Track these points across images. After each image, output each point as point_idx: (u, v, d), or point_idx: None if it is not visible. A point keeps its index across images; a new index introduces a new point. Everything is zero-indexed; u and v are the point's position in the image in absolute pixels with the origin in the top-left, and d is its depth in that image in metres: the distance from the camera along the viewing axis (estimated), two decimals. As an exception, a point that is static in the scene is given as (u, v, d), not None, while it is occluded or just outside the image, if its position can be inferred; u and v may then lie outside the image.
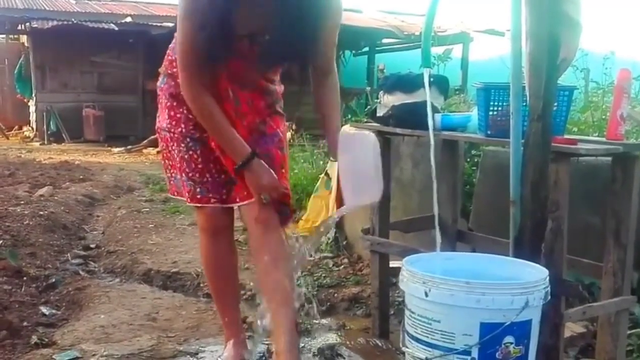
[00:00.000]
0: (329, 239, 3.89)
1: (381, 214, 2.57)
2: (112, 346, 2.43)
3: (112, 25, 11.73)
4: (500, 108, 2.10)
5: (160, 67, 2.12)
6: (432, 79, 2.27)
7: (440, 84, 2.55)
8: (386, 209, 2.59)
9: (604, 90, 3.85)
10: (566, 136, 2.09)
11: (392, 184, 2.54)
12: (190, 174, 2.06)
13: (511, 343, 1.57)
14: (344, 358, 2.40)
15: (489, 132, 2.15)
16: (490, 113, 2.12)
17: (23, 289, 3.12)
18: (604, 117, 3.35)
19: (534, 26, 1.80)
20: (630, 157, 2.01)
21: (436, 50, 4.58)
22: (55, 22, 11.52)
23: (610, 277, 2.09)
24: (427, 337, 1.62)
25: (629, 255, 2.07)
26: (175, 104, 2.05)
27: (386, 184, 2.14)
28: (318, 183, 4.29)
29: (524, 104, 1.86)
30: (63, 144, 11.84)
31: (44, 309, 2.93)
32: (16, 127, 13.73)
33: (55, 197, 5.39)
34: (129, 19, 12.45)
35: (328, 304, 3.12)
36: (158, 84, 2.13)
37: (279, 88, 2.12)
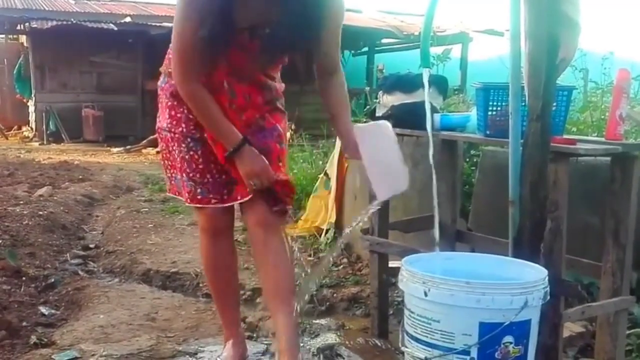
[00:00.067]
0: (327, 239, 3.89)
1: (380, 214, 2.57)
2: (111, 346, 2.43)
3: (112, 25, 11.73)
4: (499, 108, 2.10)
5: (159, 66, 2.12)
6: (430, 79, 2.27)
7: (440, 84, 2.56)
8: (385, 209, 2.59)
9: (602, 90, 3.85)
10: (565, 136, 2.09)
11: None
12: (191, 174, 2.06)
13: (510, 343, 1.58)
14: (344, 358, 2.39)
15: (488, 132, 2.15)
16: (490, 113, 2.13)
17: (22, 289, 3.11)
18: (603, 117, 3.36)
19: (533, 26, 1.80)
20: (629, 157, 2.01)
21: (435, 50, 4.58)
22: (54, 22, 11.51)
23: (609, 277, 2.09)
24: (427, 337, 1.63)
25: (628, 255, 2.07)
26: (175, 103, 2.04)
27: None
28: (317, 183, 4.30)
29: (523, 104, 1.86)
30: (62, 144, 11.84)
31: (43, 309, 2.93)
32: (15, 127, 13.72)
33: (55, 197, 5.39)
34: (128, 19, 12.44)
35: (327, 303, 3.12)
36: (159, 83, 2.13)
37: (279, 86, 2.12)
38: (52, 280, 3.32)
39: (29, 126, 13.40)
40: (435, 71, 3.92)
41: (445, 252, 2.00)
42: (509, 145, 1.89)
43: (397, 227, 2.69)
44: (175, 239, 4.28)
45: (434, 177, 1.88)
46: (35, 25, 11.52)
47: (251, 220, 2.13)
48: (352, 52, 14.50)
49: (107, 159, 9.81)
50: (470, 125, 2.33)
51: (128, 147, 11.00)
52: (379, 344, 2.54)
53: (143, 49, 12.27)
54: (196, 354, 2.41)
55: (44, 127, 12.19)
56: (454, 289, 1.56)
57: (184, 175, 2.07)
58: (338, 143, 3.92)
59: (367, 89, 6.73)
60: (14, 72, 13.22)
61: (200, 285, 3.28)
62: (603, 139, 2.10)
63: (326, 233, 3.92)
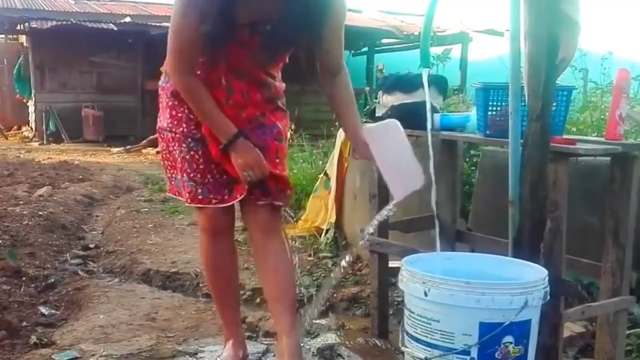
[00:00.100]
0: (327, 239, 3.89)
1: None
2: (111, 346, 2.43)
3: (111, 25, 11.72)
4: (499, 108, 2.10)
5: (159, 66, 2.12)
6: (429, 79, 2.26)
7: (439, 84, 2.56)
8: (385, 209, 2.59)
9: (602, 90, 3.85)
10: (565, 136, 2.09)
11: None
12: (191, 175, 2.06)
13: (510, 343, 1.58)
14: (343, 358, 2.39)
15: (487, 132, 2.15)
16: (489, 113, 2.13)
17: (22, 289, 3.12)
18: (602, 117, 3.36)
19: (532, 26, 1.80)
20: (629, 157, 2.01)
21: (435, 50, 4.58)
22: (54, 22, 11.51)
23: (609, 277, 2.09)
24: (427, 337, 1.63)
25: (628, 255, 2.07)
26: (176, 103, 2.04)
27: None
28: (317, 183, 4.30)
29: (523, 104, 1.86)
30: (62, 144, 11.84)
31: (43, 309, 2.93)
32: (15, 127, 13.72)
33: (55, 197, 5.39)
34: (128, 19, 12.43)
35: (327, 303, 3.12)
36: (160, 82, 2.12)
37: (280, 85, 2.11)
38: (52, 280, 3.32)
39: (28, 126, 13.40)
40: (435, 71, 3.92)
41: (445, 252, 2.00)
42: (508, 145, 1.89)
43: (397, 227, 2.69)
44: (175, 239, 4.28)
45: (434, 177, 1.88)
46: (35, 25, 11.51)
47: (251, 222, 2.14)
48: (352, 52, 14.48)
49: (107, 159, 9.81)
50: (470, 125, 2.33)
51: (128, 147, 11.00)
52: (379, 344, 2.54)
53: (143, 49, 12.27)
54: (196, 354, 2.41)
55: (43, 127, 12.19)
56: (453, 289, 1.56)
57: (185, 175, 2.07)
58: (338, 143, 3.92)
59: (367, 89, 6.72)
60: (14, 72, 13.22)
61: (200, 285, 3.28)
62: (603, 139, 2.10)
63: (326, 233, 3.92)
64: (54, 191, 5.74)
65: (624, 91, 2.07)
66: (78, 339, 2.53)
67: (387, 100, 2.52)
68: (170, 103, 2.07)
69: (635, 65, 3.50)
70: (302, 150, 5.75)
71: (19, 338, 2.56)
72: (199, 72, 1.94)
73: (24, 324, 2.71)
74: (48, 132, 12.19)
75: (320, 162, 5.02)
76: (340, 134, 3.90)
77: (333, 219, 3.92)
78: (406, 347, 1.71)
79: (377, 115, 2.56)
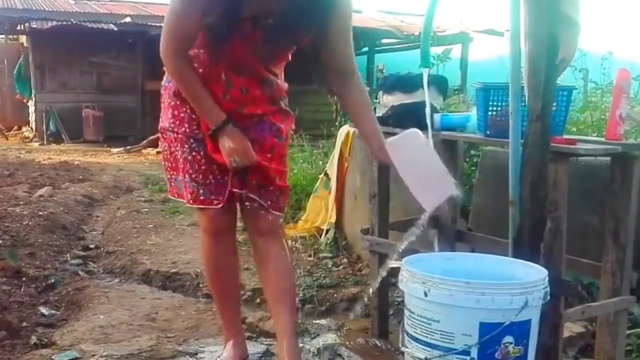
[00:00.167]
0: (328, 239, 3.89)
1: (380, 214, 2.57)
2: (111, 346, 2.43)
3: (111, 26, 11.72)
4: (499, 108, 2.10)
5: (159, 66, 2.11)
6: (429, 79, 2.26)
7: (440, 84, 2.56)
8: (386, 209, 2.59)
9: (602, 90, 3.86)
10: (565, 136, 2.09)
11: (392, 184, 2.54)
12: (193, 175, 2.05)
13: (510, 343, 1.58)
14: (343, 358, 2.40)
15: (488, 132, 2.15)
16: (490, 113, 2.12)
17: (22, 290, 3.11)
18: (602, 117, 3.36)
19: (532, 26, 1.80)
20: (629, 157, 2.01)
21: (435, 51, 4.58)
22: (54, 23, 11.50)
23: (609, 277, 2.09)
24: (427, 337, 1.63)
25: (628, 255, 2.07)
26: (178, 102, 2.04)
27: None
28: (317, 183, 4.29)
29: (523, 104, 1.86)
30: (62, 144, 11.83)
31: (43, 310, 2.93)
32: (15, 127, 13.72)
33: (55, 198, 5.39)
34: (128, 19, 12.44)
35: (327, 304, 3.12)
36: (162, 82, 2.11)
37: (283, 84, 2.11)
38: (52, 280, 3.32)
39: (29, 126, 13.40)
40: (435, 71, 3.92)
41: (445, 252, 2.00)
42: (509, 145, 1.89)
43: (397, 227, 2.69)
44: (175, 239, 4.28)
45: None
46: (35, 26, 11.51)
47: (252, 226, 2.15)
48: (352, 52, 14.47)
49: (107, 159, 9.81)
50: (470, 125, 2.33)
51: (128, 147, 11.00)
52: (379, 344, 2.54)
53: (143, 49, 12.26)
54: (196, 354, 2.41)
55: (44, 127, 12.18)
56: (453, 289, 1.56)
57: (187, 176, 2.06)
58: (338, 143, 3.92)
59: (367, 89, 6.72)
60: (14, 72, 13.21)
61: (201, 285, 3.28)
62: (603, 139, 2.09)
63: (326, 233, 3.92)
64: (54, 191, 5.74)
65: (624, 91, 2.07)
66: (78, 339, 2.53)
67: (387, 100, 2.52)
68: (172, 103, 2.06)
69: (635, 65, 3.50)
70: (302, 151, 5.75)
71: (19, 338, 2.56)
72: (200, 71, 1.94)
73: (24, 324, 2.71)
74: (48, 133, 12.18)
75: (321, 162, 5.02)
76: (341, 134, 3.90)
77: (333, 219, 3.91)
78: (406, 347, 1.71)
79: (377, 115, 2.55)
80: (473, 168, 3.37)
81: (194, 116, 2.01)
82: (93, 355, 2.34)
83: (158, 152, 9.14)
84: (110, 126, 12.29)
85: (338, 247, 3.82)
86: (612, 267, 2.07)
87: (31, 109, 12.97)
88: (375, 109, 2.64)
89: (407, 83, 2.45)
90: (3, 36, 14.46)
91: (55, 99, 12.51)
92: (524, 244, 1.85)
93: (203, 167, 2.04)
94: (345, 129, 3.86)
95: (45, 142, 11.85)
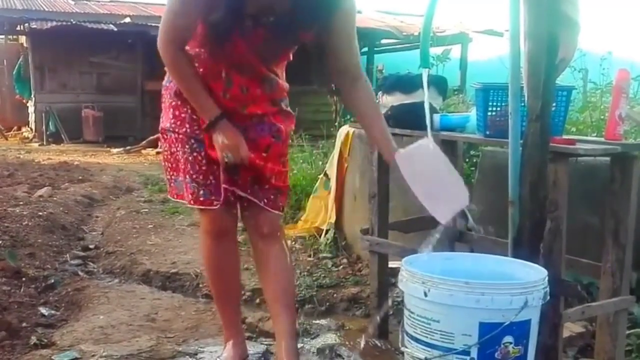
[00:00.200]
0: (327, 239, 3.89)
1: (380, 214, 2.57)
2: (111, 347, 2.43)
3: (111, 26, 11.72)
4: (498, 108, 2.10)
5: (159, 67, 2.11)
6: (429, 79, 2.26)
7: (439, 84, 2.56)
8: (385, 209, 2.59)
9: (602, 91, 3.86)
10: (565, 136, 2.09)
11: (392, 184, 2.54)
12: (194, 176, 2.05)
13: (510, 343, 1.58)
14: (343, 358, 2.40)
15: (487, 133, 2.15)
16: (489, 113, 2.12)
17: (22, 290, 3.11)
18: (602, 117, 3.36)
19: (532, 26, 1.80)
20: (628, 157, 2.01)
21: (435, 51, 4.59)
22: (54, 23, 11.51)
23: (609, 277, 2.09)
24: (427, 337, 1.63)
25: (628, 255, 2.07)
26: (179, 102, 2.04)
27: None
28: (317, 184, 4.30)
29: (523, 104, 1.86)
30: (62, 144, 11.83)
31: (43, 310, 2.92)
32: (15, 127, 13.70)
33: (54, 198, 5.39)
34: (127, 20, 12.44)
35: (327, 304, 3.12)
36: (163, 82, 2.11)
37: (284, 84, 2.10)
38: (52, 281, 3.32)
39: (28, 127, 13.39)
40: (435, 71, 3.94)
41: (445, 252, 2.00)
42: (508, 145, 1.89)
43: (397, 227, 2.69)
44: (175, 239, 4.28)
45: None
46: (34, 26, 11.51)
47: (252, 227, 2.15)
48: (352, 52, 14.47)
49: (106, 159, 9.81)
50: (470, 125, 2.33)
51: (128, 147, 10.99)
52: (379, 344, 2.54)
53: (143, 49, 12.25)
54: (196, 354, 2.41)
55: (43, 127, 12.18)
56: (453, 289, 1.56)
57: (187, 176, 2.06)
58: (338, 143, 3.92)
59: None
60: (14, 72, 13.21)
61: (200, 285, 3.28)
62: (602, 139, 2.10)
63: (326, 233, 3.92)
64: (53, 192, 5.74)
65: (624, 91, 2.07)
66: (78, 339, 2.53)
67: (387, 100, 2.52)
68: (173, 103, 2.06)
69: (635, 65, 3.51)
70: (302, 151, 5.74)
71: (19, 339, 2.56)
72: (201, 70, 1.94)
73: (24, 324, 2.71)
74: (48, 133, 12.18)
75: (320, 163, 5.01)
76: (340, 134, 3.90)
77: (333, 219, 3.91)
78: (406, 347, 1.71)
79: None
80: (472, 168, 3.38)
81: (194, 116, 2.01)
82: (93, 356, 2.34)
83: (158, 153, 9.15)
84: (110, 126, 12.29)
85: (338, 247, 3.82)
86: (612, 267, 2.08)
87: (31, 109, 12.97)
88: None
89: (406, 83, 2.46)
90: (3, 36, 14.45)
91: (54, 99, 12.51)
92: (523, 244, 1.85)
93: (204, 168, 2.04)
94: (345, 129, 3.87)
95: (44, 143, 11.84)
